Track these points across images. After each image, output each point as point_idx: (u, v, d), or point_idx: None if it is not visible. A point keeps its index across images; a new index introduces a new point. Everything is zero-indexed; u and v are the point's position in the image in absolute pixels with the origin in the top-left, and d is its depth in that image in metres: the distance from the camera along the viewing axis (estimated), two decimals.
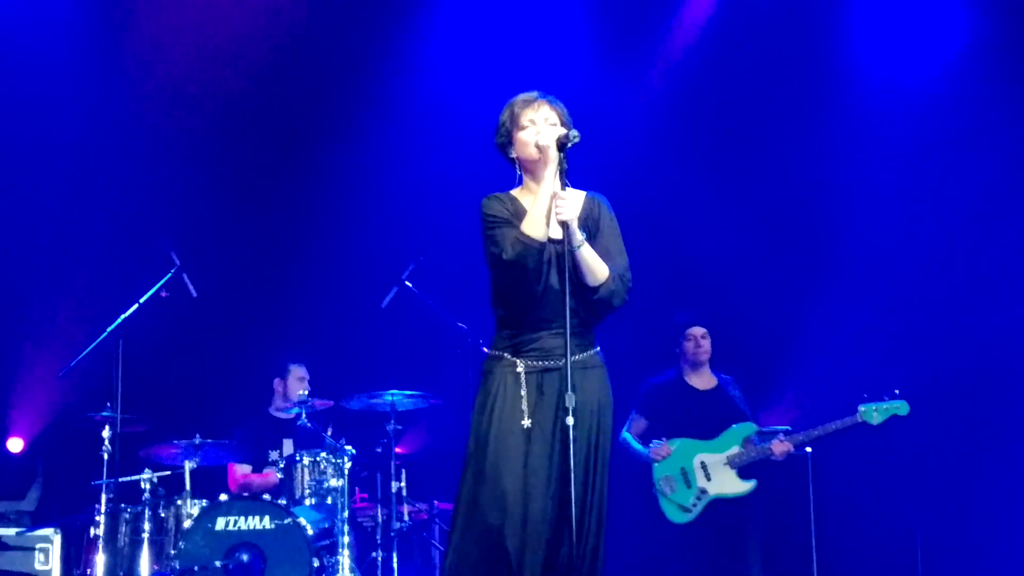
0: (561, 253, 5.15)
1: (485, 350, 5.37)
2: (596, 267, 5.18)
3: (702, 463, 7.99)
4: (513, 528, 5.07)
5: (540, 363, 5.19)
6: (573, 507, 4.96)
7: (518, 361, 5.19)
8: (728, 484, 7.96)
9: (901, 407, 7.84)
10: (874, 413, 7.82)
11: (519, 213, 5.22)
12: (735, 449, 7.99)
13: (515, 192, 5.33)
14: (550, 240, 5.15)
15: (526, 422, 5.14)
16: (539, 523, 5.09)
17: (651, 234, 9.42)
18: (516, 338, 5.23)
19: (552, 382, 5.16)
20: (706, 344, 8.23)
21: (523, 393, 5.16)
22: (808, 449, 8.18)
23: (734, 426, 8.05)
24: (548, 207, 5.11)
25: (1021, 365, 9.11)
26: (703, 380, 8.26)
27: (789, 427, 8.14)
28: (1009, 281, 9.18)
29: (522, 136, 5.22)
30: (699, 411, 8.13)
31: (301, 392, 8.39)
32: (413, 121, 9.46)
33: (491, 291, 5.28)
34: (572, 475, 4.91)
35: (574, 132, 5.09)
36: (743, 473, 7.97)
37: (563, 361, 5.08)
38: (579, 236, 5.12)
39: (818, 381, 9.00)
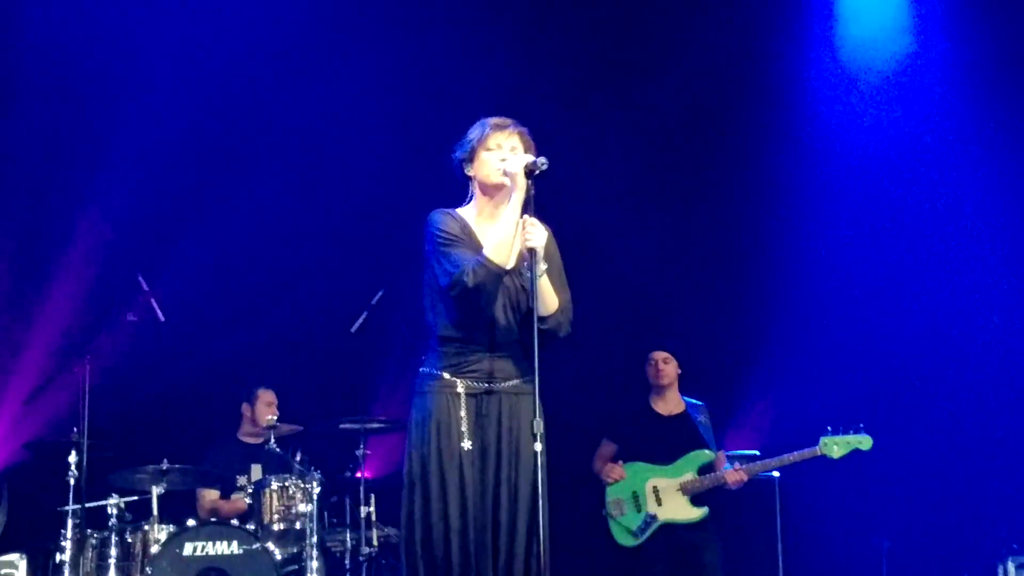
0: (510, 281, 5.16)
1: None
2: (549, 297, 5.18)
3: (655, 488, 7.99)
4: (462, 552, 5.07)
5: (481, 385, 5.17)
6: (536, 529, 5.02)
7: (458, 381, 5.16)
8: (679, 510, 7.95)
9: (864, 442, 7.79)
10: (835, 447, 7.78)
11: (468, 232, 5.22)
12: (689, 476, 7.97)
13: (462, 211, 5.31)
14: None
15: (466, 444, 5.12)
16: (485, 547, 5.09)
17: (619, 259, 9.57)
18: (457, 358, 5.19)
19: (492, 405, 5.16)
20: (667, 369, 8.19)
21: (463, 414, 5.14)
22: (775, 473, 8.24)
23: (691, 453, 8.02)
24: (513, 234, 5.08)
25: (984, 387, 9.21)
26: (668, 405, 8.23)
27: (758, 451, 8.16)
28: (966, 308, 9.30)
29: (486, 157, 5.21)
30: (659, 436, 8.12)
31: (269, 418, 8.34)
32: (384, 145, 9.44)
33: (430, 306, 5.24)
34: (541, 500, 4.93)
35: (542, 160, 5.07)
36: (696, 500, 7.95)
37: (503, 384, 5.14)
38: (544, 265, 5.11)
39: (784, 406, 9.06)
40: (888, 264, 9.48)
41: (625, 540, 8.01)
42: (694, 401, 8.28)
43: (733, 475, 7.88)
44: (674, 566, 7.94)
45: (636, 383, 8.43)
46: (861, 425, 7.84)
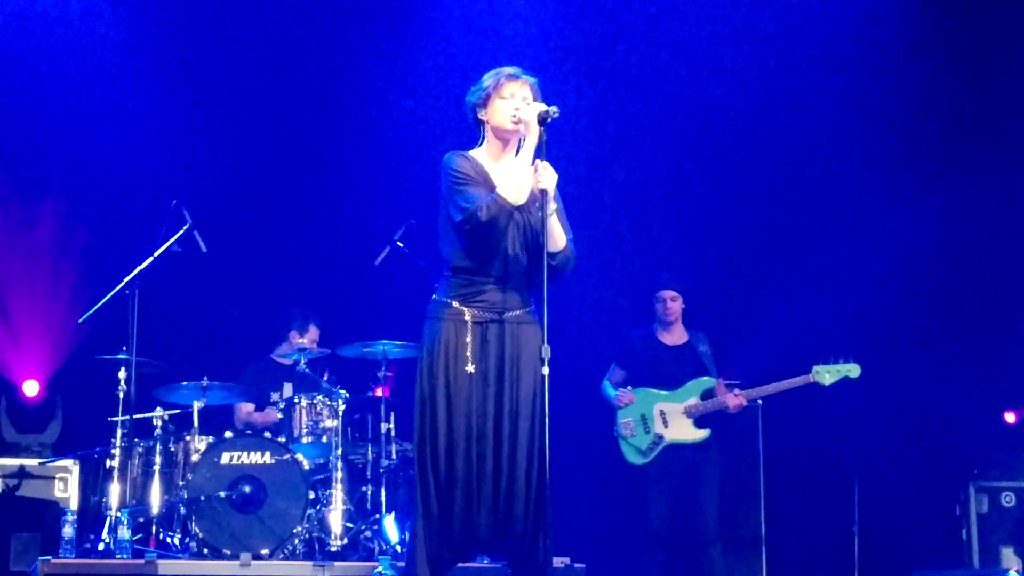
0: (520, 218, 5.47)
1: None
2: (559, 235, 5.49)
3: (661, 411, 8.33)
4: (466, 466, 5.37)
5: (486, 314, 5.45)
6: (536, 445, 5.34)
7: (466, 310, 5.44)
8: (684, 431, 8.30)
9: (852, 370, 8.13)
10: (826, 374, 8.12)
11: (482, 174, 5.50)
12: (693, 400, 8.32)
13: (475, 152, 5.60)
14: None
15: (470, 368, 5.41)
16: (486, 461, 5.39)
17: (630, 206, 9.87)
18: (466, 288, 5.47)
19: (495, 333, 5.45)
20: (674, 306, 8.50)
21: (468, 340, 5.42)
22: (759, 401, 8.62)
23: (694, 379, 8.39)
24: (526, 176, 5.38)
25: (946, 317, 9.51)
26: (673, 336, 8.54)
27: (739, 382, 8.51)
28: (955, 248, 9.54)
29: (500, 104, 5.52)
30: (666, 364, 8.46)
31: (300, 340, 8.70)
32: (409, 89, 9.61)
33: (444, 241, 5.51)
34: (546, 419, 5.18)
35: (554, 108, 5.40)
36: (699, 423, 8.33)
37: (506, 314, 5.42)
38: (554, 204, 5.43)
39: (778, 337, 9.28)
40: (864, 198, 9.66)
41: (635, 459, 8.32)
42: (695, 332, 8.60)
43: (733, 399, 8.26)
44: (679, 482, 8.27)
45: (643, 315, 8.70)
46: (850, 355, 8.15)
